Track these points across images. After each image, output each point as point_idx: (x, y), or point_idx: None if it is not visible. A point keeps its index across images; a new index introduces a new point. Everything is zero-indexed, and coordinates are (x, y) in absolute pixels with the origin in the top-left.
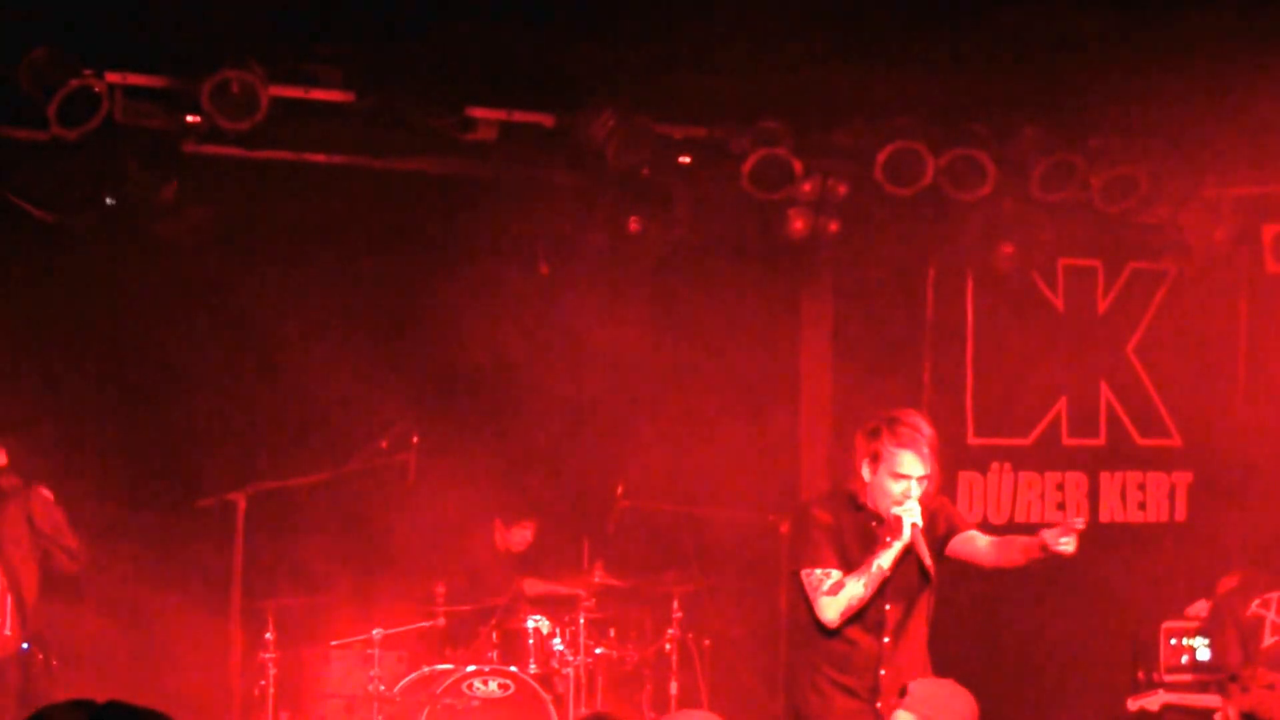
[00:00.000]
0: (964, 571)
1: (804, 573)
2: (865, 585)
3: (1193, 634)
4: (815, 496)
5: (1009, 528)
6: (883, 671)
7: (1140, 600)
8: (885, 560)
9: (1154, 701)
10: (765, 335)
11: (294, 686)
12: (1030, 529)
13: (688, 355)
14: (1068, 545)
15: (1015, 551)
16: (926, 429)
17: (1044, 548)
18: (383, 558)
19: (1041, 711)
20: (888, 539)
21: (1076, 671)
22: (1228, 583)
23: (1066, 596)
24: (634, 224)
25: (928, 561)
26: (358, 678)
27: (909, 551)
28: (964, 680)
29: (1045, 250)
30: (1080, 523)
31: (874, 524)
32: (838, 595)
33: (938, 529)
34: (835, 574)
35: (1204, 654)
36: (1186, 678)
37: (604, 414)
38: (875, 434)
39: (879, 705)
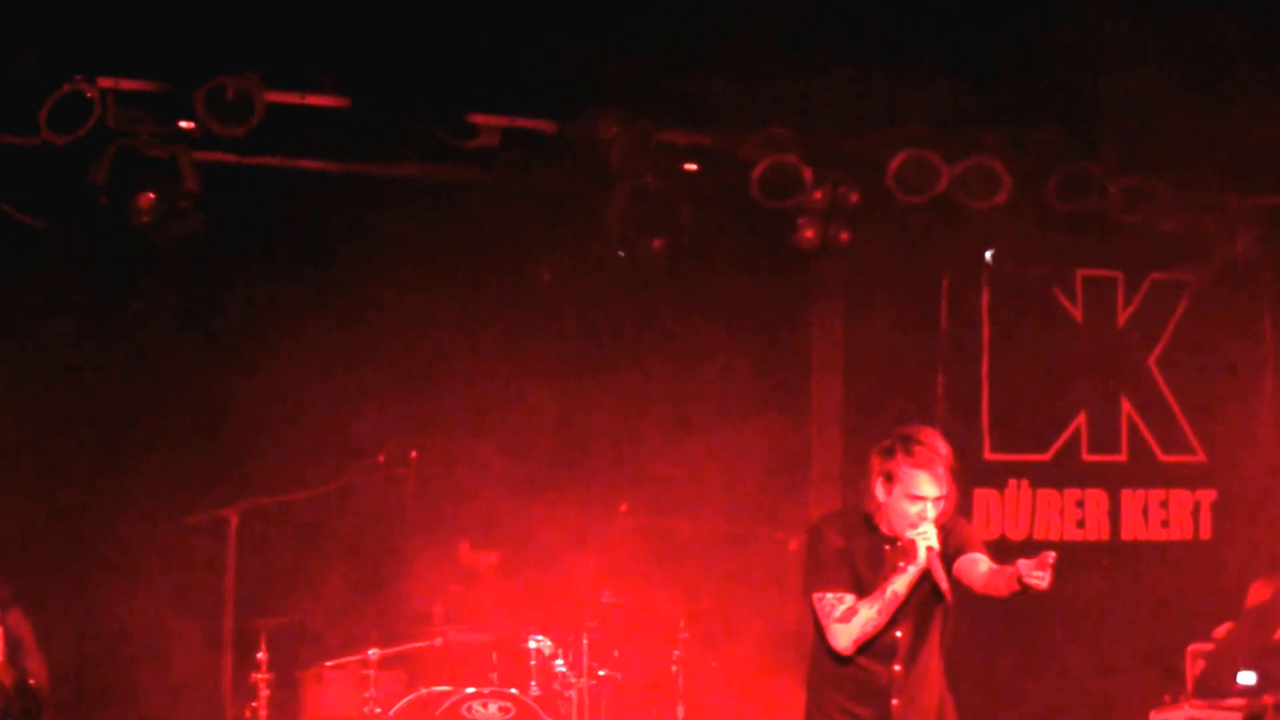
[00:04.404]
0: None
1: (815, 597)
2: (879, 611)
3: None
4: (827, 516)
5: (1027, 546)
6: (894, 701)
7: (1164, 621)
8: (899, 585)
9: (1178, 717)
10: (775, 347)
11: (287, 708)
12: (1049, 547)
13: (694, 367)
14: (1039, 580)
15: (1001, 582)
16: (943, 448)
17: (1020, 579)
18: (379, 576)
19: None
20: (901, 563)
21: (1099, 693)
22: (1259, 593)
23: (1088, 616)
24: (638, 234)
25: (944, 586)
26: (353, 700)
27: (924, 576)
28: (984, 702)
29: (1063, 260)
30: (1053, 556)
31: (887, 547)
32: (850, 622)
33: (948, 548)
34: (848, 599)
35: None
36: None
37: (608, 426)
38: (890, 453)
39: None
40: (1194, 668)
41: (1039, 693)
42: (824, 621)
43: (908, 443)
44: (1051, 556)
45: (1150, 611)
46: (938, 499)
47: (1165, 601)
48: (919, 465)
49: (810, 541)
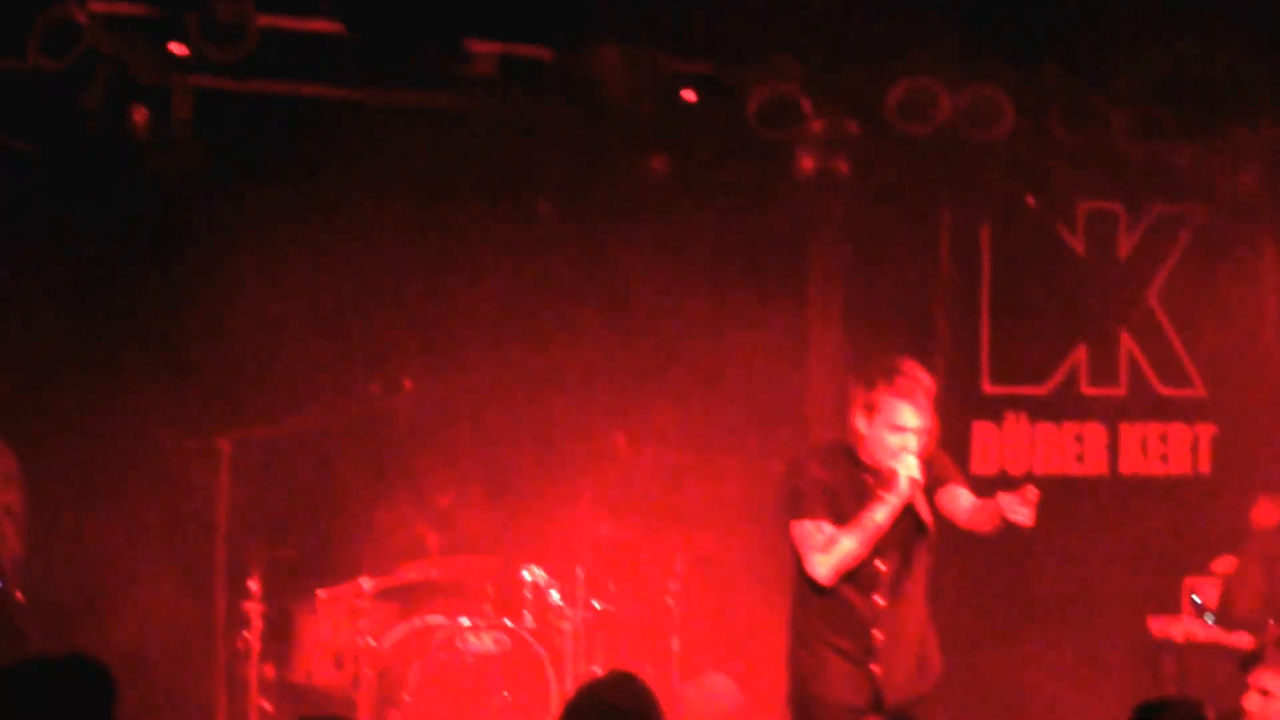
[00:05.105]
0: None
1: (795, 528)
2: (860, 541)
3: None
4: (808, 449)
5: (1026, 480)
6: (877, 633)
7: (1161, 555)
8: (880, 515)
9: (1179, 630)
10: (773, 280)
11: (279, 639)
12: (1048, 481)
13: (692, 300)
14: (1022, 516)
15: (984, 517)
16: (925, 379)
17: (1002, 516)
18: (373, 506)
19: (1060, 667)
20: (883, 493)
21: (1094, 628)
22: (1266, 514)
23: (1085, 551)
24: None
25: (927, 516)
26: (346, 630)
27: (906, 507)
28: (979, 635)
29: (1064, 192)
30: (1035, 493)
31: (869, 478)
32: (830, 551)
33: (930, 481)
34: (828, 529)
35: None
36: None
37: (605, 356)
38: (871, 384)
39: (873, 668)
40: (1190, 602)
41: (1034, 628)
42: (804, 552)
43: (890, 373)
44: (1034, 492)
45: (1148, 546)
46: (920, 430)
47: (1163, 536)
48: (901, 396)
49: (790, 473)
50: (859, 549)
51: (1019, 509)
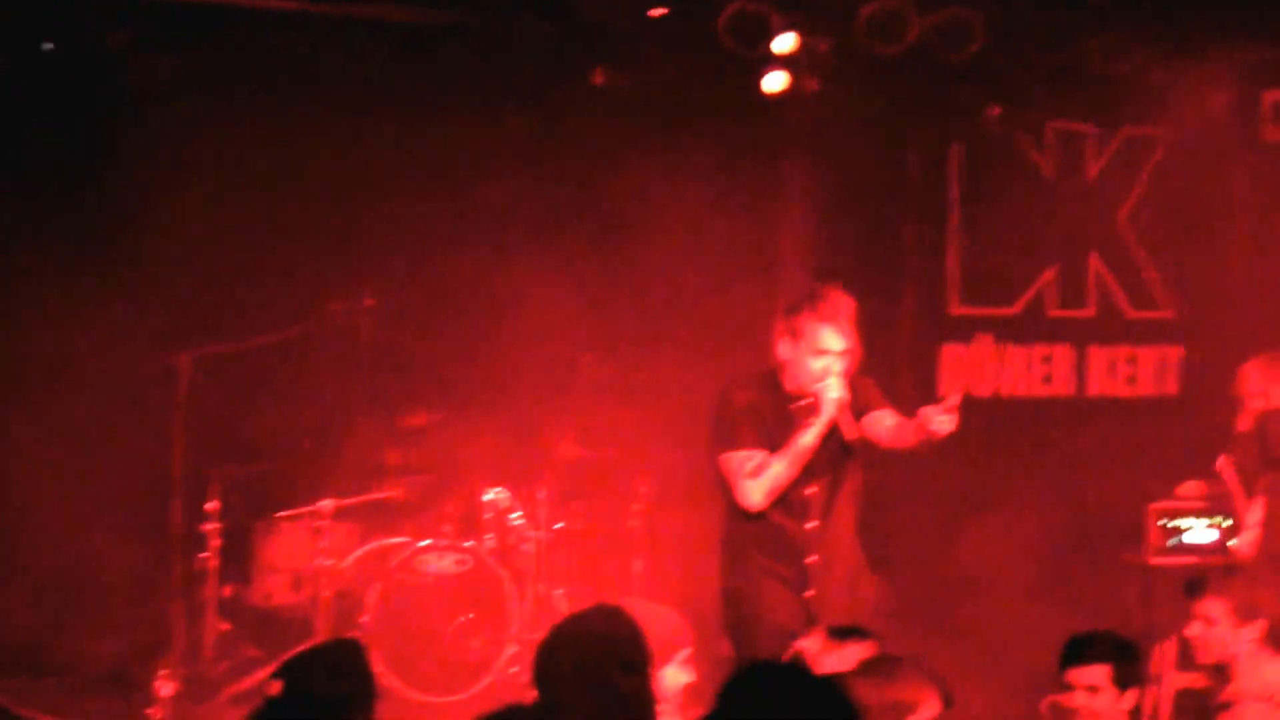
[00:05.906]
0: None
1: (724, 457)
2: (789, 464)
3: (1183, 514)
4: (734, 378)
5: (994, 402)
6: (810, 558)
7: (1128, 478)
8: (808, 437)
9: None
10: (743, 199)
11: (238, 560)
12: (1015, 403)
13: (660, 217)
14: (943, 424)
15: (907, 433)
16: (847, 303)
17: (926, 429)
18: (334, 426)
19: (1025, 590)
20: (809, 418)
21: (1062, 549)
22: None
23: (1051, 472)
24: (600, 76)
25: (852, 435)
26: (305, 551)
27: (833, 431)
28: (944, 559)
29: (1034, 113)
30: (956, 400)
31: (794, 404)
32: (760, 477)
33: (855, 406)
34: (757, 455)
35: (1194, 536)
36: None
37: (570, 275)
38: (795, 310)
39: (808, 594)
40: (1156, 527)
41: (1000, 551)
42: (734, 480)
43: (812, 299)
44: (955, 400)
45: (1115, 468)
46: (843, 353)
47: (1130, 458)
48: (824, 319)
49: (718, 403)
50: (789, 472)
51: (940, 418)
